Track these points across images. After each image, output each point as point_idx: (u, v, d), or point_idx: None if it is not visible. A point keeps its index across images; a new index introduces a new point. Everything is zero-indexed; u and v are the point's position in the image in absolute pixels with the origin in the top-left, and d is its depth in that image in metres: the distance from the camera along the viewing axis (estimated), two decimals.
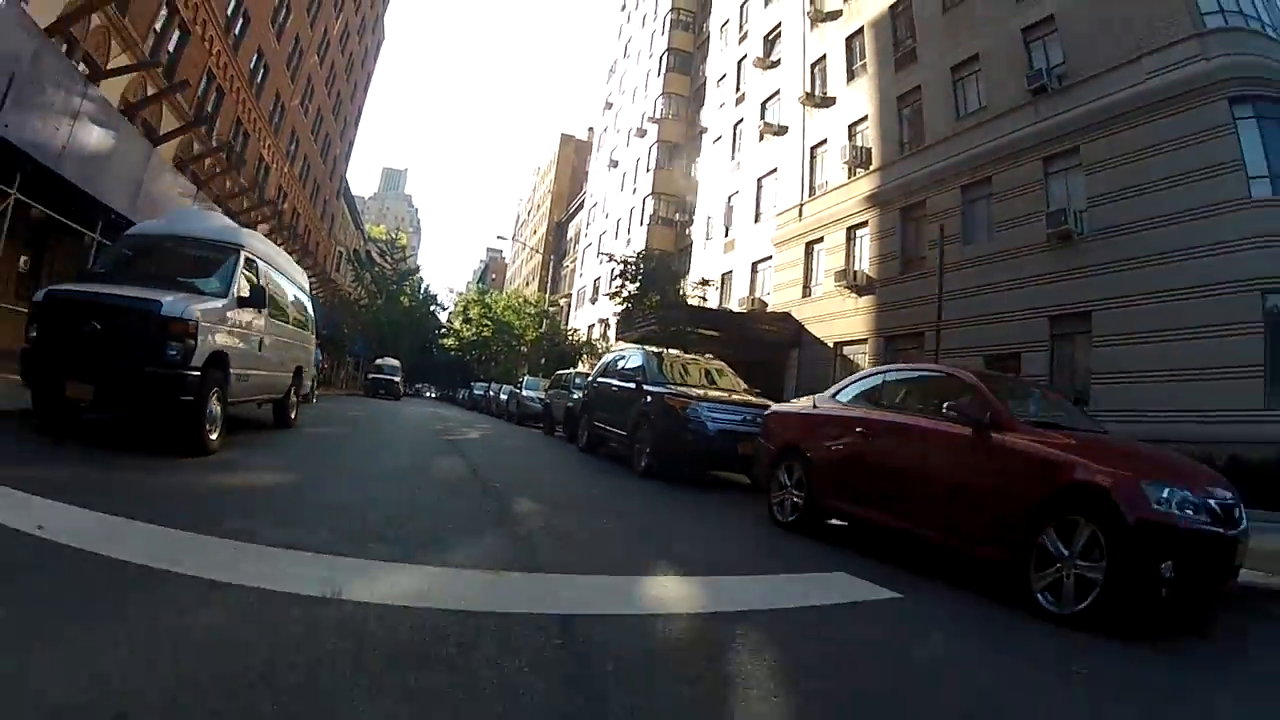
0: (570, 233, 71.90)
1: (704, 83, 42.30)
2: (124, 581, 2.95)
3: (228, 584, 3.05)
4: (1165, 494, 4.43)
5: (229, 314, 7.65)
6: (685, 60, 46.10)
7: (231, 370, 7.64)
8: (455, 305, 69.54)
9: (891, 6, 24.55)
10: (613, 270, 30.77)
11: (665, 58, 46.63)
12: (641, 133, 47.89)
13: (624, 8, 62.22)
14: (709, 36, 42.55)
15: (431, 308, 71.15)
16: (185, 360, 6.58)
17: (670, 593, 4.23)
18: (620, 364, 13.71)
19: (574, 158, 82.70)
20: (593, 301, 52.57)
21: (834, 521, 6.99)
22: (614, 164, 53.92)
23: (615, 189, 52.70)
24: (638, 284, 28.90)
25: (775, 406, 9.27)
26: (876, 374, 7.70)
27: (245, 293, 8.12)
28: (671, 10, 47.39)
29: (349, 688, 2.24)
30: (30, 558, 3.07)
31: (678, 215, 42.65)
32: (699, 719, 2.50)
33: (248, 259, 8.46)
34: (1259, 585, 5.89)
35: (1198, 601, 4.93)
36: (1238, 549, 4.65)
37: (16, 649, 2.16)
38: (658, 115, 45.65)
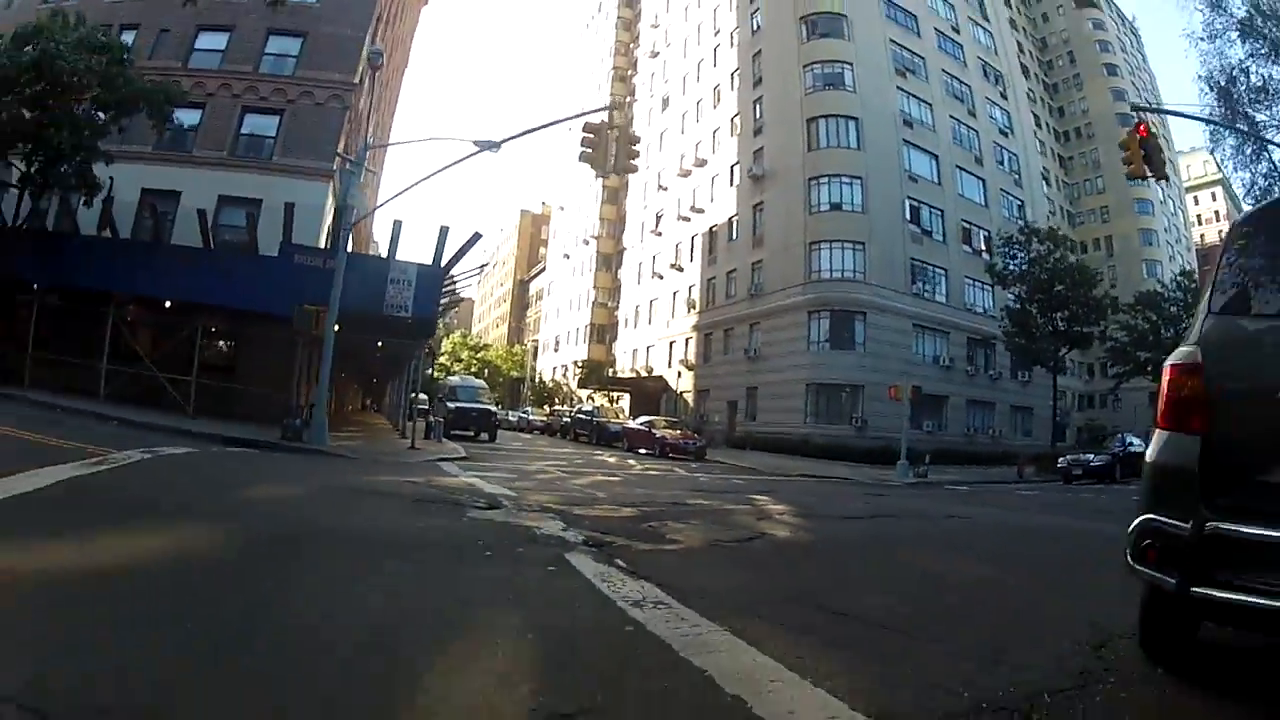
0: (532, 290, 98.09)
1: (626, 212, 68.94)
2: (497, 455, 29.61)
3: (510, 466, 29.68)
4: (661, 432, 31.26)
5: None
6: (614, 194, 72.59)
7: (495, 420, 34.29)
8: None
9: (710, 229, 51.55)
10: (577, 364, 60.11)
11: (602, 192, 73.19)
12: (586, 242, 74.52)
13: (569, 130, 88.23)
14: (629, 180, 69.04)
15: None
16: (495, 421, 33.40)
17: (610, 460, 30.86)
18: (586, 409, 41.25)
19: (531, 228, 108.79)
20: (555, 351, 79.34)
21: (640, 450, 33.41)
22: (566, 257, 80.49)
23: (568, 274, 79.34)
24: (587, 373, 57.56)
25: (625, 424, 36.26)
26: (644, 417, 34.85)
27: (490, 398, 34.79)
28: None
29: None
30: (478, 456, 29.85)
31: (610, 302, 69.61)
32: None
33: (486, 391, 35.14)
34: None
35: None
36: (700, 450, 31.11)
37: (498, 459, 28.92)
38: (596, 234, 72.45)
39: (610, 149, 16.87)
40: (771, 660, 3.52)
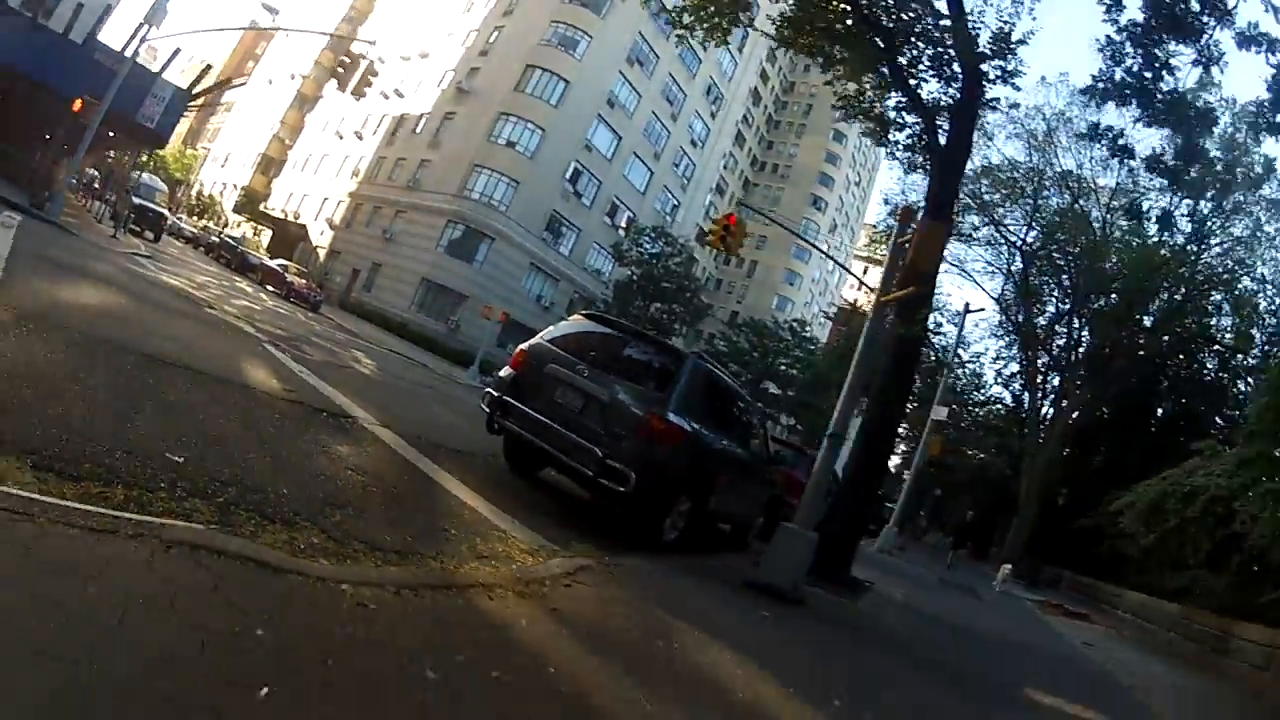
0: (224, 99, 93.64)
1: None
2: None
3: (186, 275, 32.25)
4: (292, 277, 34.88)
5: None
6: (337, 45, 72.34)
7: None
8: None
9: (401, 114, 54.67)
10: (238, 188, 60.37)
11: (327, 40, 72.57)
12: (293, 77, 73.71)
13: None
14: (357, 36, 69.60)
15: None
16: (164, 225, 34.66)
17: (249, 289, 33.78)
18: (234, 236, 43.68)
19: (249, 41, 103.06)
20: (222, 166, 77.62)
21: (269, 287, 36.55)
22: (270, 82, 78.69)
23: (264, 100, 77.68)
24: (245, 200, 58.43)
25: (265, 261, 39.25)
26: (280, 260, 38.23)
27: (165, 200, 36.10)
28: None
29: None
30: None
31: (289, 140, 69.98)
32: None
33: (164, 194, 36.29)
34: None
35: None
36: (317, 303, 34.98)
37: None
38: (305, 74, 72.07)
39: (356, 74, 21.56)
40: (351, 401, 9.62)
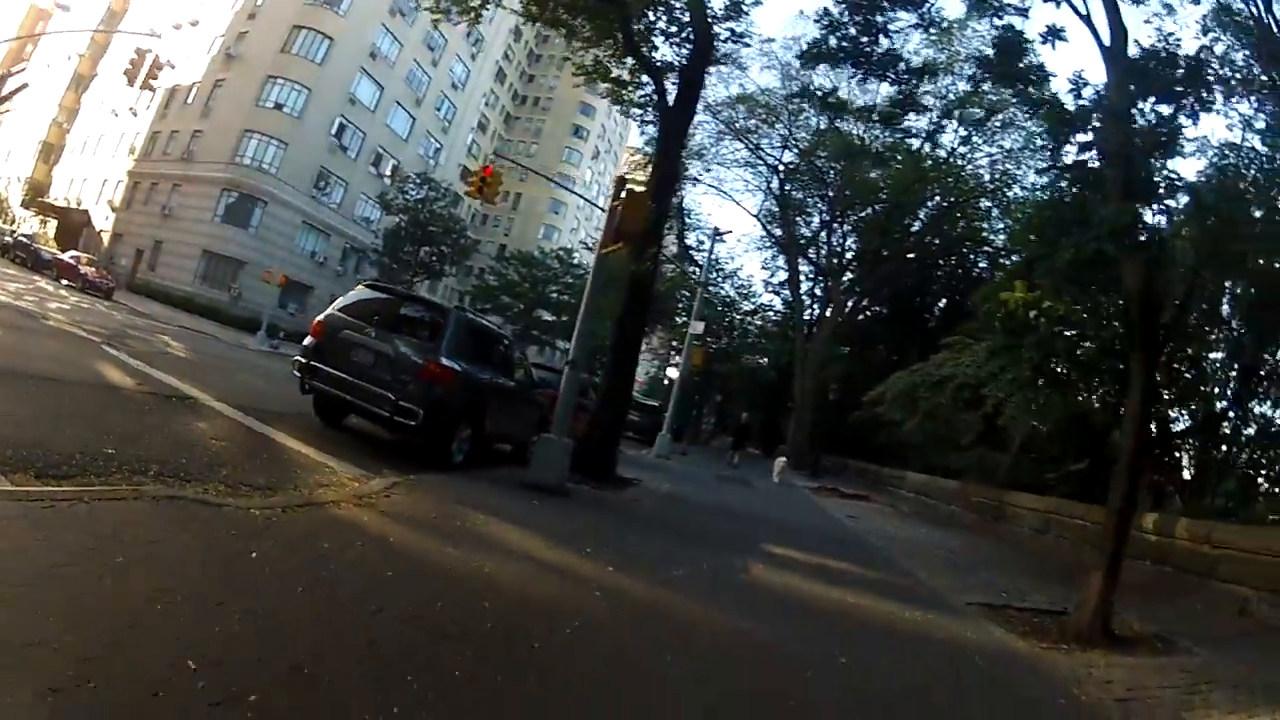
0: (7, 87, 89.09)
1: (112, 41, 67.41)
2: None
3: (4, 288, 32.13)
4: (85, 269, 35.28)
5: None
6: (112, 19, 69.93)
7: None
8: None
9: (174, 86, 53.81)
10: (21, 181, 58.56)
11: (104, 13, 70.18)
12: (70, 57, 70.97)
13: None
14: (129, 7, 67.43)
15: None
16: None
17: (51, 289, 33.89)
18: (26, 233, 43.24)
19: (30, 23, 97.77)
20: (4, 160, 74.52)
21: (64, 281, 36.72)
22: (49, 66, 75.54)
23: (43, 84, 74.51)
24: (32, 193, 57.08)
25: (58, 255, 39.40)
26: (73, 252, 39.29)
27: None
28: None
29: None
30: None
31: (67, 123, 67.97)
32: None
33: None
34: None
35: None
36: (110, 289, 35.49)
37: None
38: (82, 53, 69.59)
39: (143, 69, 22.60)
40: (185, 385, 11.27)
